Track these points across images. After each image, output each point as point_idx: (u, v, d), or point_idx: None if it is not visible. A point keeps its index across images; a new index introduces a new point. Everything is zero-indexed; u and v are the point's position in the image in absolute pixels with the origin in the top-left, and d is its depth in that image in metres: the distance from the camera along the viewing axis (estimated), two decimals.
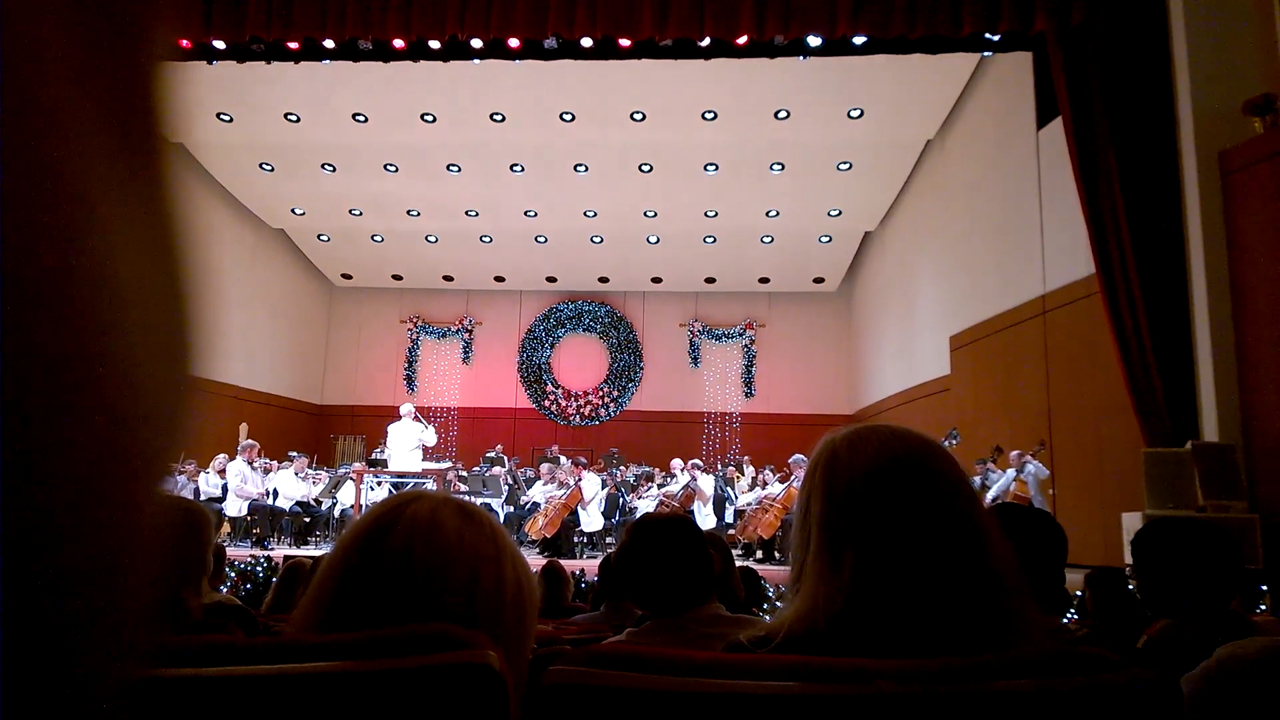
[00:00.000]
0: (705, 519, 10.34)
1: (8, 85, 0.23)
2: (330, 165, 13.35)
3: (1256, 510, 6.26)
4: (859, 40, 7.89)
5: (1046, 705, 0.75)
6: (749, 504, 10.69)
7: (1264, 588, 5.27)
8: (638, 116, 11.74)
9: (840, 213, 14.43)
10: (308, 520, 10.70)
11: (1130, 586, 3.53)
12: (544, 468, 11.64)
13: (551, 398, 17.20)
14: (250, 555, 7.70)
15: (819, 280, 16.79)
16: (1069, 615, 4.75)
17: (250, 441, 10.76)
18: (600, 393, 17.19)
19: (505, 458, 12.89)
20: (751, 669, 0.78)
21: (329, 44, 8.17)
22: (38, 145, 0.24)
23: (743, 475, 12.17)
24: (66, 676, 0.24)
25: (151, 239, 0.29)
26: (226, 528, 10.21)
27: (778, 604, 5.66)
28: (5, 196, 0.23)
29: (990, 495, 8.39)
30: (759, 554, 10.03)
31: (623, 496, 11.04)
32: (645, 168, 13.15)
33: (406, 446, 10.49)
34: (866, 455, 0.97)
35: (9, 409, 0.23)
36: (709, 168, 13.07)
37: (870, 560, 0.91)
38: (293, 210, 14.87)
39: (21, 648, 0.23)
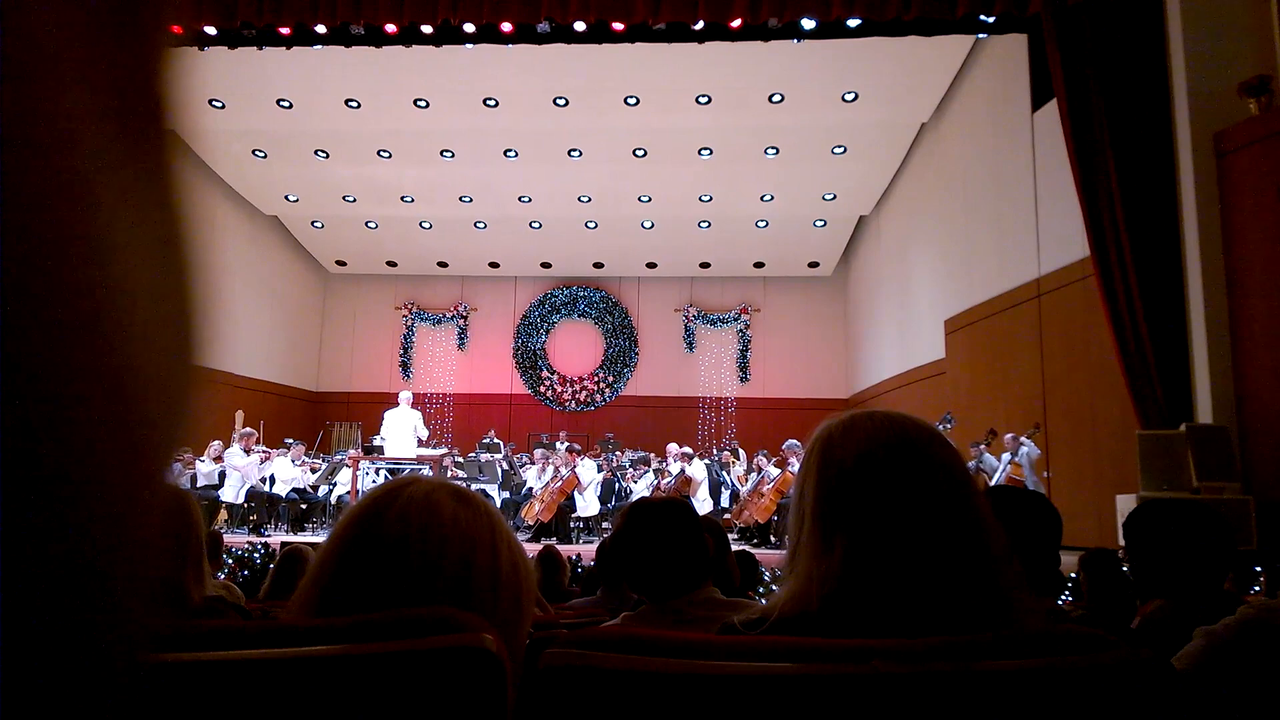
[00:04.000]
0: (701, 504, 10.38)
1: (9, 77, 0.23)
2: (323, 152, 13.27)
3: (1250, 492, 6.29)
4: (853, 22, 7.85)
5: (1042, 684, 0.76)
6: (746, 490, 10.72)
7: (1258, 569, 5.30)
8: (632, 101, 11.69)
9: (835, 197, 14.40)
10: (304, 507, 10.72)
11: (1124, 568, 3.55)
12: (538, 453, 11.65)
13: (547, 383, 17.19)
14: (247, 542, 7.71)
15: (814, 264, 16.77)
16: (1064, 597, 4.79)
17: (248, 430, 10.76)
18: (596, 378, 17.19)
19: (500, 443, 12.89)
20: (747, 650, 0.79)
21: (320, 29, 8.12)
22: (40, 138, 0.24)
23: (738, 460, 12.19)
24: (74, 665, 0.24)
25: (156, 229, 0.29)
26: (224, 515, 10.22)
27: (773, 588, 5.68)
28: (8, 189, 0.23)
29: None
30: (755, 538, 10.07)
31: (619, 481, 11.06)
32: (639, 152, 13.10)
33: (403, 433, 10.49)
34: (859, 439, 0.98)
35: (14, 401, 0.23)
36: (703, 152, 13.02)
37: (862, 543, 0.92)
38: (286, 197, 14.79)
39: (28, 637, 0.23)
